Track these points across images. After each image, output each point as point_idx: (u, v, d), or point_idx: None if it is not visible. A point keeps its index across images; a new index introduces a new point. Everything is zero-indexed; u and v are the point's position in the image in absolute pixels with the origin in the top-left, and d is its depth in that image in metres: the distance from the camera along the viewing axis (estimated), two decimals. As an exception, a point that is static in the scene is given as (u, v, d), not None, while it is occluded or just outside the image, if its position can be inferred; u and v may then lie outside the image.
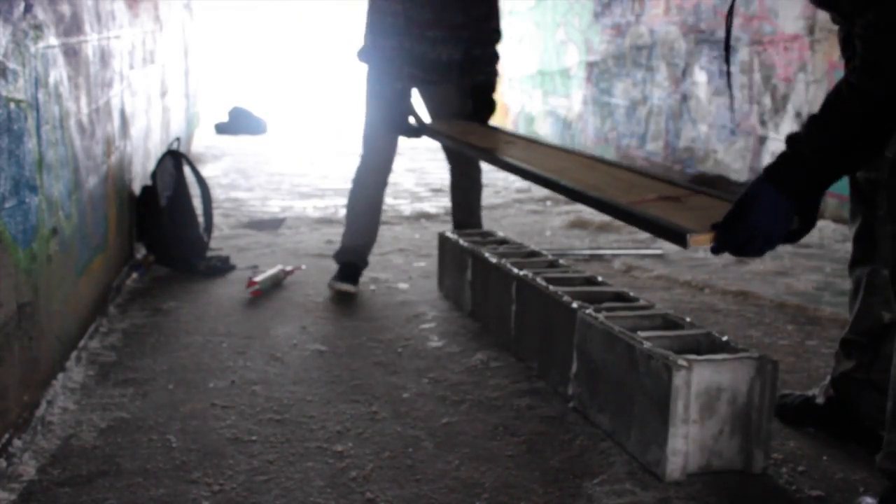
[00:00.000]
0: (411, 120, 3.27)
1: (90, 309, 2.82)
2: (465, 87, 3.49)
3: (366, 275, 3.70)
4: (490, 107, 3.45)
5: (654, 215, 1.83)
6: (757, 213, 1.58)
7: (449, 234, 3.42)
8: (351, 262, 3.48)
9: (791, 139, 1.58)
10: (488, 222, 4.20)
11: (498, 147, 2.80)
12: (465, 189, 3.69)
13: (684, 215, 1.82)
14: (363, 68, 3.50)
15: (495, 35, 3.47)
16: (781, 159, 1.58)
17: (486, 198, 5.84)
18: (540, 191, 6.29)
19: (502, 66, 3.57)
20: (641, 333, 2.06)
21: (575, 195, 2.16)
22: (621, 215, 1.95)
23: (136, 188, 3.83)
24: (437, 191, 6.14)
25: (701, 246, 1.68)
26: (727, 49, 1.86)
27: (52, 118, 2.35)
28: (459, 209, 3.72)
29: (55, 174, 2.36)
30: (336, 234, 4.60)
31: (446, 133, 3.08)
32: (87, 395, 2.36)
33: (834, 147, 1.53)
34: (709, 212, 1.84)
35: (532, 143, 2.91)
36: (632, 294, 2.51)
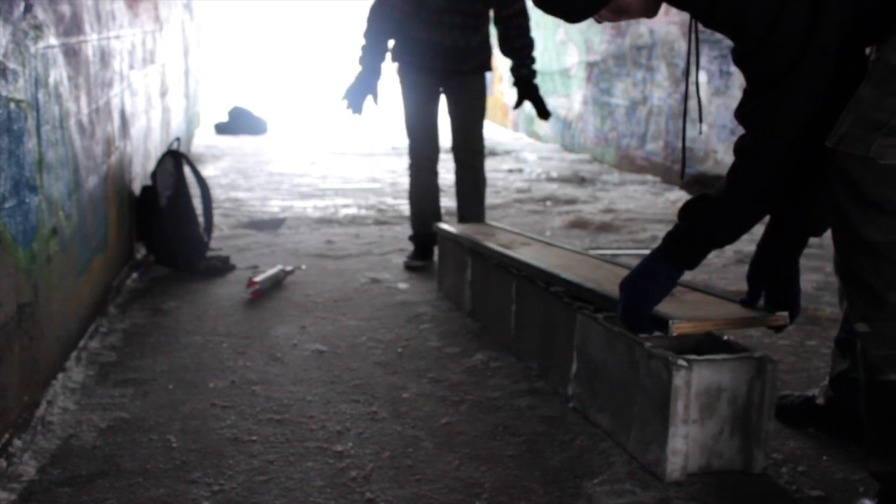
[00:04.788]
0: (441, 225, 3.55)
1: (90, 309, 2.82)
2: (483, 72, 3.84)
3: (366, 275, 3.72)
4: (537, 94, 3.80)
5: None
6: (646, 275, 1.89)
7: (446, 229, 3.41)
8: (422, 242, 3.95)
9: (684, 216, 1.82)
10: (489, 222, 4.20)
11: (513, 247, 2.95)
12: (469, 183, 3.94)
13: (672, 306, 1.98)
14: (395, 65, 3.85)
15: (527, 24, 3.75)
16: (673, 235, 1.85)
17: (487, 198, 5.85)
18: (540, 191, 6.29)
19: (508, 65, 3.87)
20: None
21: (572, 287, 2.37)
22: (613, 306, 2.11)
23: (136, 188, 3.83)
24: (439, 193, 6.13)
25: (683, 333, 1.91)
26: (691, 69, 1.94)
27: (52, 118, 2.35)
28: (462, 199, 3.97)
29: (55, 174, 2.36)
30: (335, 235, 4.61)
31: (467, 236, 3.22)
32: (87, 395, 2.36)
33: (718, 231, 1.79)
34: (699, 305, 2.05)
35: (547, 244, 3.04)
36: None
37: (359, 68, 3.63)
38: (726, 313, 1.98)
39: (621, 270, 2.50)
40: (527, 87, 3.79)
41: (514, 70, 3.81)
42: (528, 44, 3.76)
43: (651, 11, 1.81)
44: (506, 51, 3.79)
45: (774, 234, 1.90)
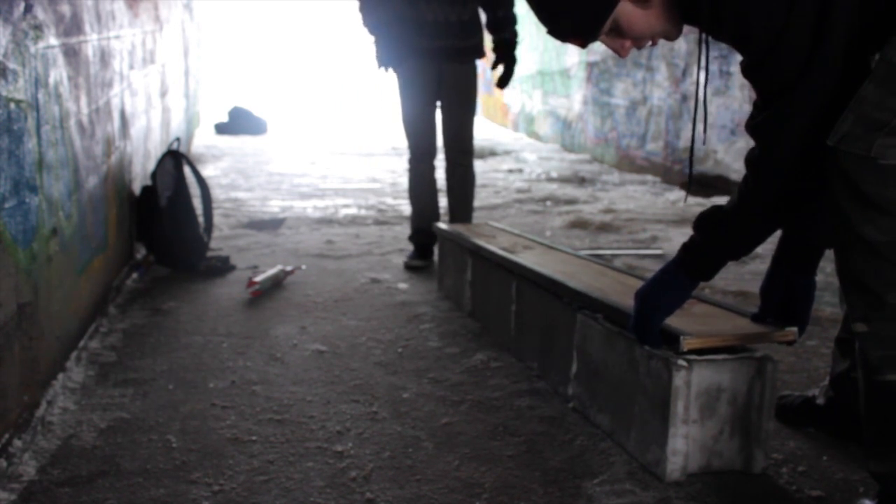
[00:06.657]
0: (441, 225, 3.54)
1: (90, 309, 2.82)
2: (476, 58, 3.88)
3: (366, 275, 3.73)
4: (513, 61, 3.87)
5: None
6: (661, 286, 1.87)
7: (447, 229, 3.41)
8: (421, 242, 3.97)
9: (699, 227, 1.82)
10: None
11: (516, 250, 2.94)
12: (458, 182, 4.02)
13: (681, 320, 1.96)
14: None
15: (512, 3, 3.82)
16: (689, 247, 1.84)
17: (487, 198, 5.86)
18: (540, 191, 6.29)
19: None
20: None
21: (578, 296, 2.33)
22: (619, 316, 2.09)
23: (136, 188, 3.83)
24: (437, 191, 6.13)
25: (693, 348, 1.86)
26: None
27: (52, 118, 2.35)
28: (451, 197, 4.04)
29: (55, 174, 2.36)
30: (335, 235, 4.61)
31: (468, 238, 3.21)
32: (87, 395, 2.36)
33: (733, 242, 1.79)
34: (707, 318, 2.03)
35: (550, 248, 3.02)
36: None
37: (376, 44, 3.80)
38: (736, 328, 1.97)
39: (625, 277, 2.49)
40: (508, 50, 3.84)
41: (494, 31, 3.84)
42: (512, 16, 3.81)
43: (671, 31, 1.75)
44: (490, 21, 3.85)
45: (786, 247, 1.90)
